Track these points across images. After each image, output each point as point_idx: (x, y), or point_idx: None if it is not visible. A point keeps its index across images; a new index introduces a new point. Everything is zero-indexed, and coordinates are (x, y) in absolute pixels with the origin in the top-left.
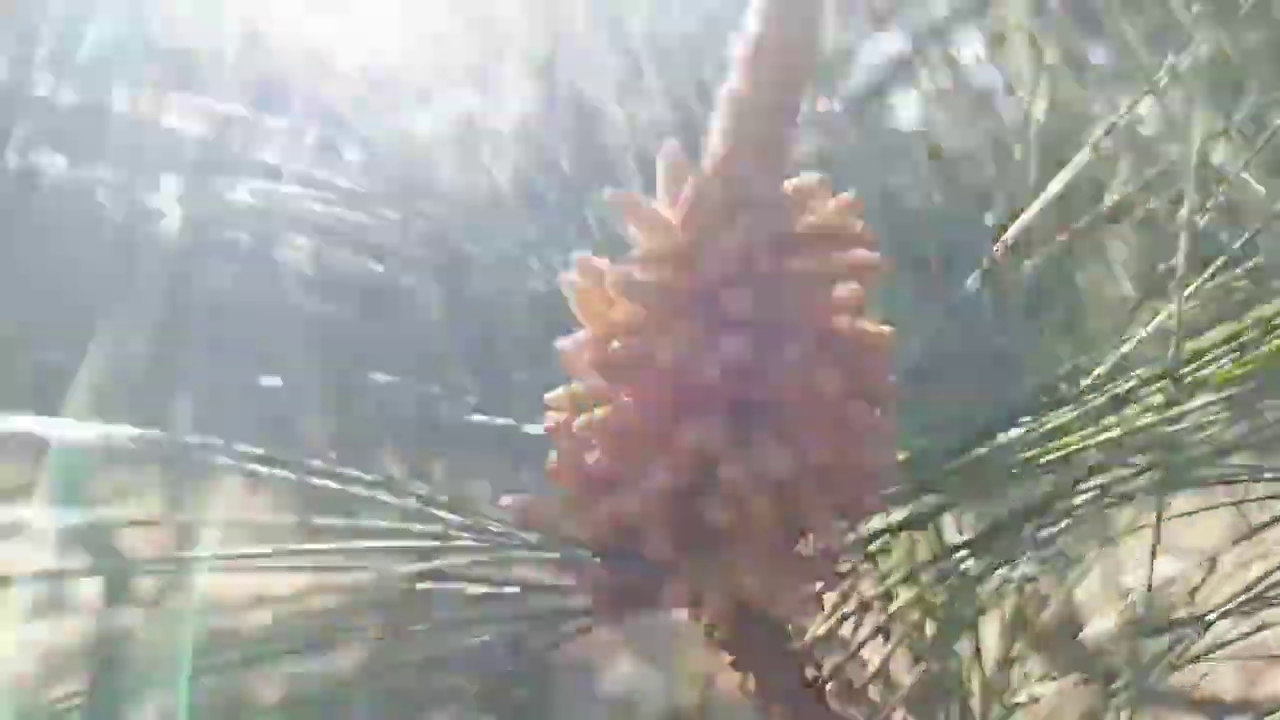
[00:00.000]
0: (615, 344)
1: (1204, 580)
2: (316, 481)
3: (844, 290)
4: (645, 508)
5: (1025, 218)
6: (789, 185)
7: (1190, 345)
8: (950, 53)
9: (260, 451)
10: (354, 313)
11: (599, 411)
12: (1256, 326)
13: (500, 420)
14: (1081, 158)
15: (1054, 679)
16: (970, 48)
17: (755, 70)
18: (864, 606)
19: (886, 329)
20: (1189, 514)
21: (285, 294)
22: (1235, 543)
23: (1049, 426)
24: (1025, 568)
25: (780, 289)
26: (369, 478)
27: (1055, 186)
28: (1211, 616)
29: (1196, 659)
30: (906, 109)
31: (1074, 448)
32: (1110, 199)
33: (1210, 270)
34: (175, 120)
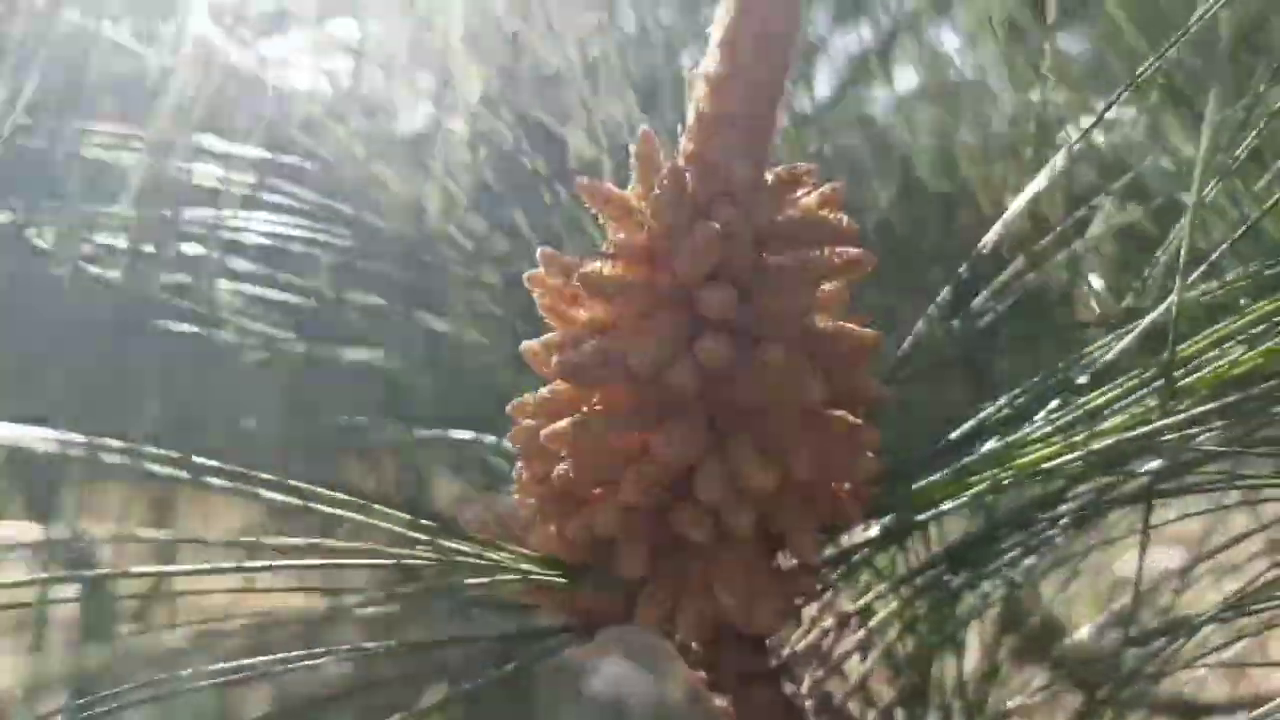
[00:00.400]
0: (584, 346)
1: (1180, 589)
2: (294, 501)
3: (828, 288)
4: (617, 522)
5: (999, 225)
6: (770, 174)
7: (1181, 349)
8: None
9: (241, 470)
10: (302, 334)
11: (567, 420)
12: (1254, 325)
13: (458, 433)
14: (1056, 162)
15: (1037, 689)
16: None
17: (736, 46)
18: (843, 621)
19: (873, 331)
20: (1162, 525)
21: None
22: (1210, 554)
23: (1034, 435)
24: (1008, 578)
25: (760, 288)
26: (344, 497)
27: (1029, 193)
28: (1195, 623)
29: (1180, 668)
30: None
31: (1059, 460)
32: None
33: (1200, 270)
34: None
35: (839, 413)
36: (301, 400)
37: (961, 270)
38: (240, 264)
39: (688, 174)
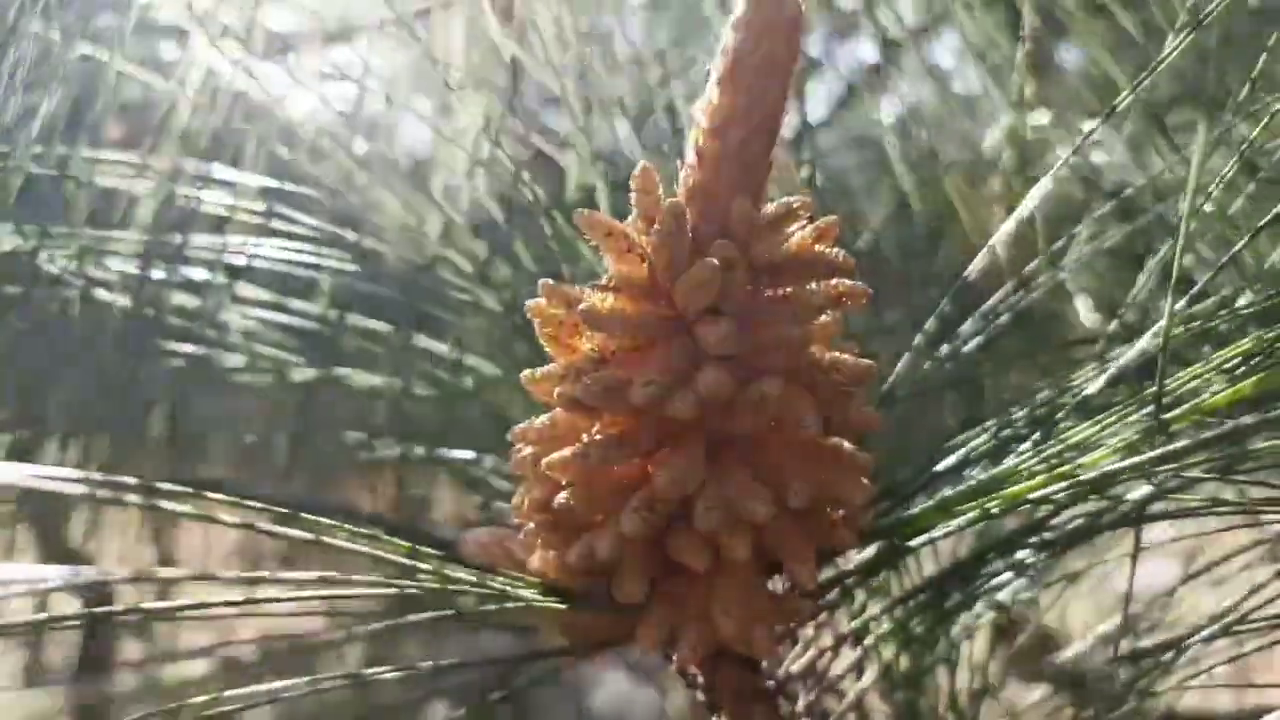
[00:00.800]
0: (586, 379)
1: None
2: (305, 535)
3: (823, 320)
4: (617, 549)
5: (985, 250)
6: (767, 209)
7: (1172, 378)
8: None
9: (252, 504)
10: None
11: (568, 449)
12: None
13: (458, 452)
14: (1044, 185)
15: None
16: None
17: (734, 86)
18: (839, 640)
19: (867, 362)
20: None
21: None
22: (1203, 570)
23: (1021, 466)
24: (998, 600)
25: (758, 321)
26: (351, 529)
27: (1018, 214)
28: (1184, 645)
29: (1172, 687)
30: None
31: (1046, 491)
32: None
33: (1190, 294)
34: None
35: (835, 441)
36: (304, 420)
37: (948, 296)
38: (246, 289)
39: (687, 210)
